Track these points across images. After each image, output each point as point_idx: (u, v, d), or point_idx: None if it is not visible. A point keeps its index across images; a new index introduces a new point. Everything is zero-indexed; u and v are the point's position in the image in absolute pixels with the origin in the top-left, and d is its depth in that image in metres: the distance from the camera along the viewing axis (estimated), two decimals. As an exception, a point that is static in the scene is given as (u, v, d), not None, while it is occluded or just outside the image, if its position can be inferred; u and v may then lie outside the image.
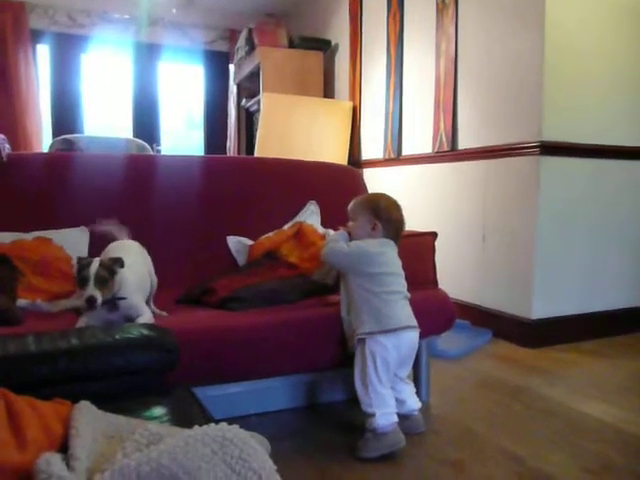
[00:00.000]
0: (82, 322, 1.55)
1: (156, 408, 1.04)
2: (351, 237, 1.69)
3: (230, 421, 1.74)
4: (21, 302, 1.74)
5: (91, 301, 1.48)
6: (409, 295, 1.68)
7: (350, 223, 1.72)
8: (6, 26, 4.48)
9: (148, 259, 1.88)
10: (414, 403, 1.70)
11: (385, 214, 1.65)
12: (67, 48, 4.89)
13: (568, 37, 2.64)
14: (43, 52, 4.88)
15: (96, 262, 1.52)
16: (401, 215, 1.71)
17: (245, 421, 1.78)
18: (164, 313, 1.78)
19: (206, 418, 1.01)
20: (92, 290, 1.48)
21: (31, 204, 2.06)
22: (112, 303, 1.57)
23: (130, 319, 1.59)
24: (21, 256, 1.87)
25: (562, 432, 1.77)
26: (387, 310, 1.59)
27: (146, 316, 1.61)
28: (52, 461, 0.70)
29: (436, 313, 1.89)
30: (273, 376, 1.74)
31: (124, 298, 1.58)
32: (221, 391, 1.74)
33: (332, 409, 1.91)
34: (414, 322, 1.64)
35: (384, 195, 1.74)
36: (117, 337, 1.14)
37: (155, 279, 1.87)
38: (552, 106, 2.61)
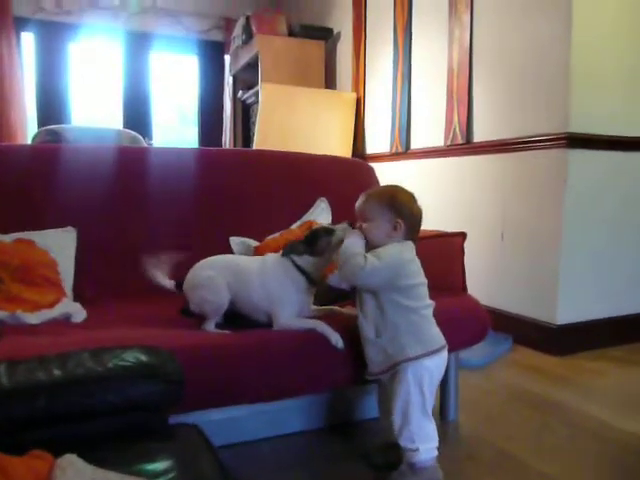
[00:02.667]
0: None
1: (159, 459, 0.83)
2: (367, 240, 1.38)
3: (239, 447, 1.55)
4: (-1, 314, 1.53)
5: None
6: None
7: (363, 224, 1.38)
8: (-12, 13, 4.22)
9: None
10: None
11: (407, 210, 1.37)
12: (54, 37, 4.63)
13: (598, 21, 2.44)
14: (28, 40, 4.62)
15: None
16: (420, 209, 1.42)
17: (255, 447, 1.58)
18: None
19: (222, 474, 0.81)
20: None
21: (11, 202, 1.84)
22: None
23: None
24: (-1, 261, 1.65)
25: (610, 456, 1.59)
26: (428, 327, 1.37)
27: None
28: None
29: (468, 323, 1.69)
30: (289, 397, 1.53)
31: None
32: (227, 414, 1.54)
33: (351, 430, 1.72)
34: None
35: (399, 187, 1.45)
36: (109, 366, 0.94)
37: None
38: (581, 95, 2.42)
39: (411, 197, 1.42)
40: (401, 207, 1.36)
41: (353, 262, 1.31)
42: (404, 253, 1.35)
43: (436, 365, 1.37)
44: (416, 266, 1.38)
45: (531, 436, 1.71)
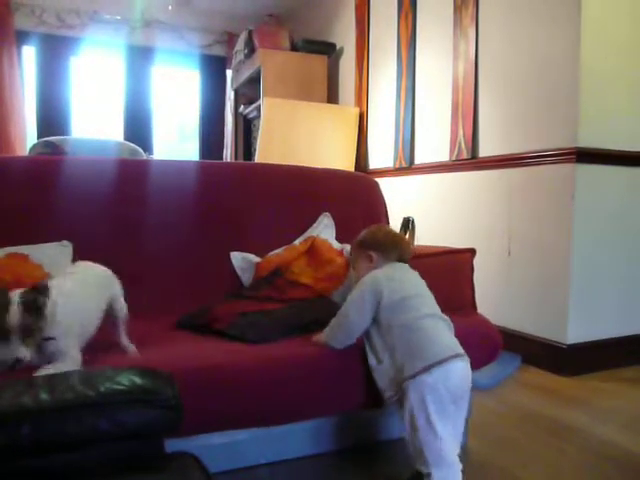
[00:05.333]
0: None
1: (154, 495, 0.76)
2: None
3: (239, 472, 1.46)
4: (-13, 333, 1.45)
5: (19, 362, 1.11)
6: (448, 319, 1.40)
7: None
8: (-11, 26, 4.21)
9: (111, 287, 1.51)
10: None
11: (372, 240, 1.53)
12: (55, 50, 4.62)
13: (607, 33, 2.41)
14: (29, 54, 4.61)
15: (15, 301, 1.11)
16: (387, 232, 1.58)
17: (255, 472, 1.50)
18: (132, 347, 1.42)
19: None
20: (17, 348, 1.10)
21: (5, 215, 1.78)
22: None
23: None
24: (-10, 276, 1.58)
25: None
26: (425, 339, 1.31)
27: (67, 363, 1.20)
28: None
29: (478, 343, 1.60)
30: (295, 421, 1.45)
31: (52, 338, 1.19)
32: (226, 438, 1.46)
33: (362, 454, 1.63)
34: (461, 350, 1.34)
35: (371, 228, 1.62)
36: (102, 390, 0.86)
37: (123, 308, 1.50)
38: (590, 109, 2.37)
39: (377, 229, 1.59)
40: (365, 241, 1.53)
41: (338, 321, 1.41)
42: (378, 273, 1.42)
43: (442, 381, 1.27)
44: (398, 282, 1.41)
45: (547, 463, 1.62)
